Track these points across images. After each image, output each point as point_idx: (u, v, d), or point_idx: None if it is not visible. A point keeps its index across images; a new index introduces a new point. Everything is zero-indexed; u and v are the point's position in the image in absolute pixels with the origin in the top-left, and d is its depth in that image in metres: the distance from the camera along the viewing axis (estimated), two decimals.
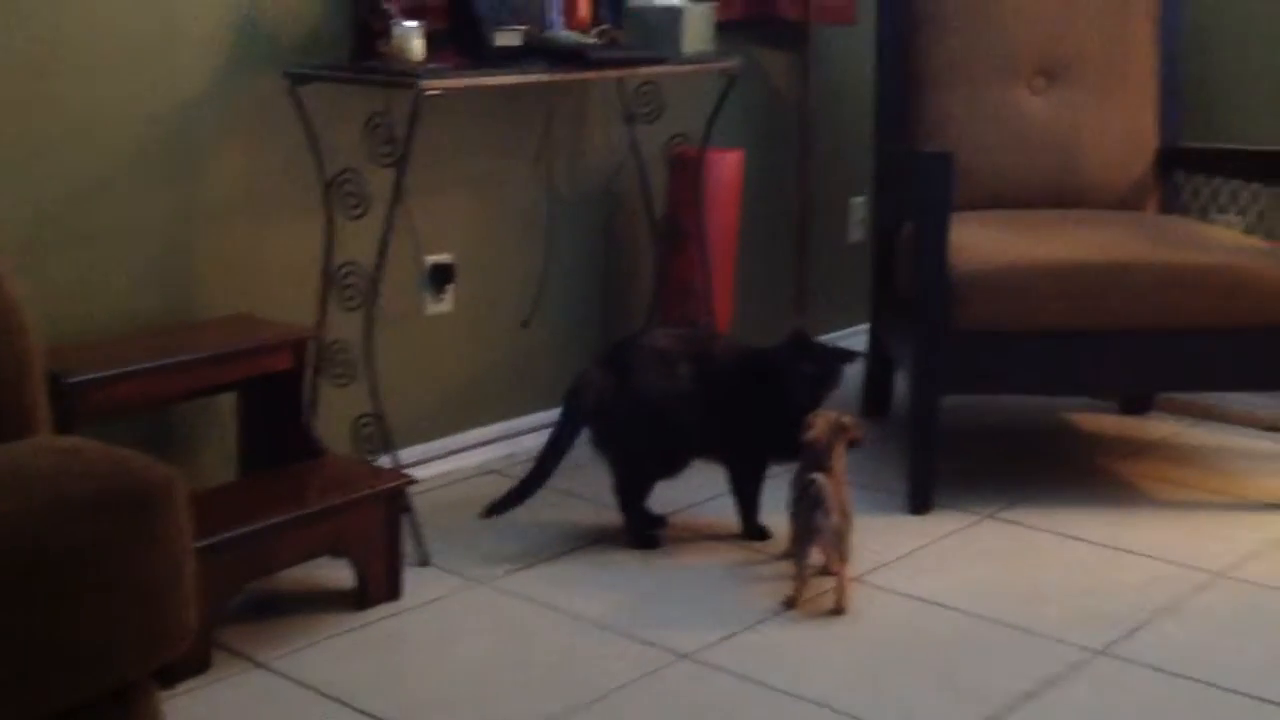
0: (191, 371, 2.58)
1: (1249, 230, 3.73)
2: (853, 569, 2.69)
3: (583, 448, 2.90)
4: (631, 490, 2.92)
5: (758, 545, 2.91)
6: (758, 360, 2.91)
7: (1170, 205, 3.63)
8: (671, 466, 2.90)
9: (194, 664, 2.32)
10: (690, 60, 3.24)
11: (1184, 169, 3.71)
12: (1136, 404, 3.78)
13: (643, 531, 2.92)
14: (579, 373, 2.91)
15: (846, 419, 2.73)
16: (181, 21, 2.73)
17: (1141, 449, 3.53)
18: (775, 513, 2.94)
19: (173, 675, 2.28)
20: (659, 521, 2.98)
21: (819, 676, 2.38)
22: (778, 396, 2.85)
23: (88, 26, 2.60)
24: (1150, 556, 2.87)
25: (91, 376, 2.41)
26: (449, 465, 3.28)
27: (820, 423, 2.71)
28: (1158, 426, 3.69)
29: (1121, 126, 3.55)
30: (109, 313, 2.70)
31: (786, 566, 2.75)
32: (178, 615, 1.61)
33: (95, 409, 2.43)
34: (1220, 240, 3.18)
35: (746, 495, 2.94)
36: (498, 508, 2.85)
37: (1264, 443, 3.52)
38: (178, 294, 2.80)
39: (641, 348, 2.88)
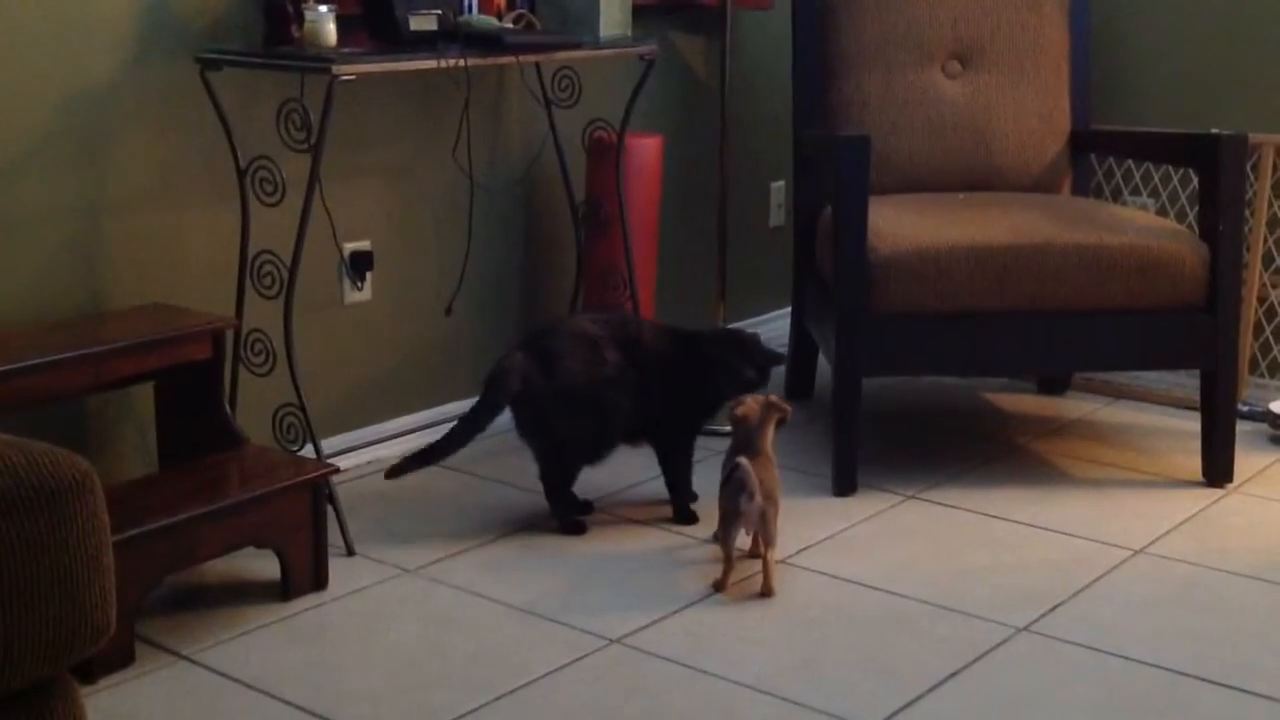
0: (106, 362, 2.53)
1: (1160, 213, 3.79)
2: (779, 551, 2.70)
3: (508, 433, 2.89)
4: (557, 476, 2.90)
5: (685, 529, 2.91)
6: (687, 343, 2.92)
7: (1083, 188, 3.68)
8: (597, 452, 2.90)
9: (116, 658, 2.28)
10: (608, 45, 3.23)
11: (1096, 152, 3.76)
12: (1054, 384, 3.84)
13: (569, 517, 2.91)
14: (501, 356, 2.89)
15: (774, 397, 2.75)
16: (89, 4, 2.67)
17: (1060, 428, 3.58)
18: (703, 497, 2.95)
19: (95, 670, 2.24)
20: (585, 507, 2.97)
21: (747, 659, 2.39)
22: (707, 382, 2.86)
23: None
24: (1070, 534, 2.91)
25: (1, 369, 2.36)
26: (372, 454, 3.25)
27: (751, 401, 2.72)
28: (1075, 406, 3.74)
29: (1035, 110, 3.59)
30: (18, 304, 2.64)
31: (714, 550, 2.75)
32: (96, 611, 1.58)
33: (6, 403, 2.38)
34: (1133, 221, 3.22)
35: (678, 476, 2.95)
36: (401, 468, 2.79)
37: (1178, 420, 3.58)
38: (90, 284, 2.75)
39: (565, 333, 2.86)
